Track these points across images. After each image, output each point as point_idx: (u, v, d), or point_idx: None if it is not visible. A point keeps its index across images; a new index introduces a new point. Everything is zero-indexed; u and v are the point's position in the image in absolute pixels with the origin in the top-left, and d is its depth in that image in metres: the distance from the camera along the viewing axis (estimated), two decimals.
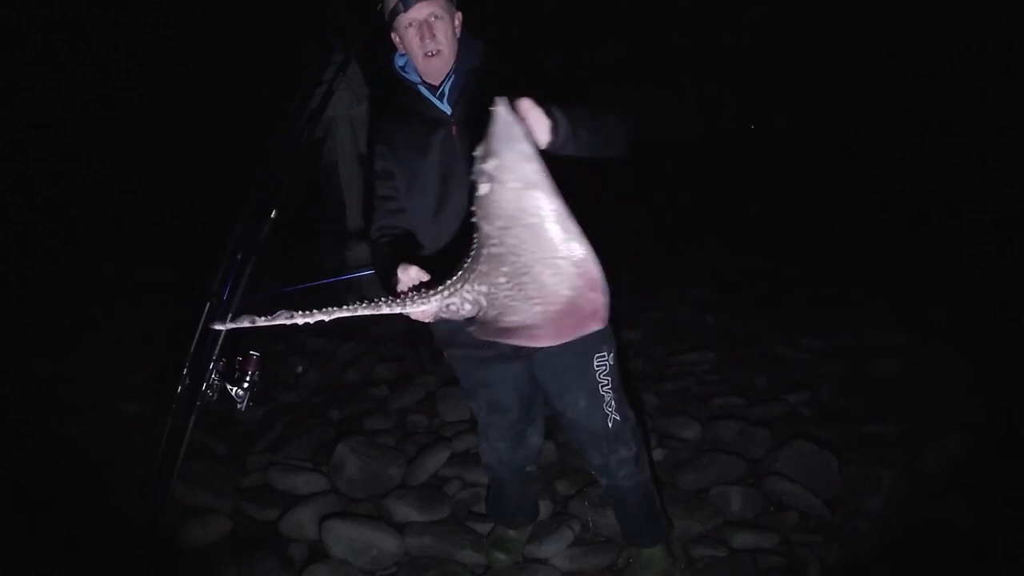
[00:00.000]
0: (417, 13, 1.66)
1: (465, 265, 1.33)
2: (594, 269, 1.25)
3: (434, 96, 1.75)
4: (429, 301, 1.35)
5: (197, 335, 2.22)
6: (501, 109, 1.18)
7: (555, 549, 2.35)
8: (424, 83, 1.76)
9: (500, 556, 2.32)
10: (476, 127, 1.24)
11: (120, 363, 3.92)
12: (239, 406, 2.13)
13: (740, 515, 2.51)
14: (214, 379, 2.07)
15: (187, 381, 2.16)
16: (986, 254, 5.06)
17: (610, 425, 1.92)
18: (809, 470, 2.64)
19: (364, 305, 1.34)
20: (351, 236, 4.68)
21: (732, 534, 2.39)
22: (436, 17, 1.67)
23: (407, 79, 1.78)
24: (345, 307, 1.32)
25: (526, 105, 1.29)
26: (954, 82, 7.76)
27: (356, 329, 4.43)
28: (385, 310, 1.35)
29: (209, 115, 8.01)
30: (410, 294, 1.38)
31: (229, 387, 2.11)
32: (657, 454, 2.83)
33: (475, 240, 1.30)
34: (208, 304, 2.24)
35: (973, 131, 7.19)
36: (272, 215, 2.06)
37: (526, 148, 1.19)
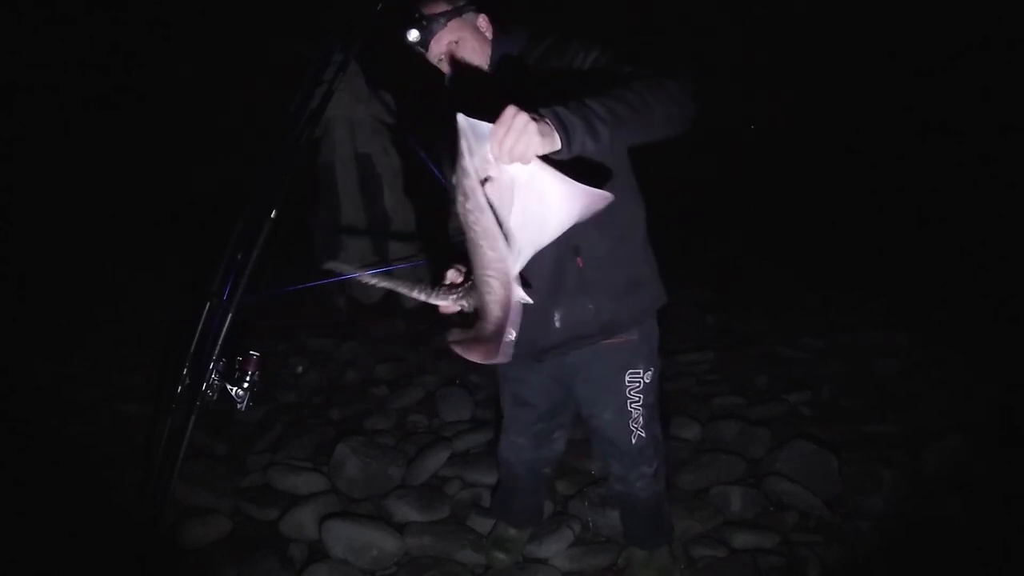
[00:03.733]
0: (437, 48, 1.66)
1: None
2: (509, 302, 1.22)
3: None
4: (446, 299, 1.48)
5: (197, 335, 2.22)
6: (461, 120, 1.11)
7: (555, 549, 2.35)
8: None
9: (500, 556, 2.32)
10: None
11: (120, 363, 3.92)
12: (239, 406, 2.12)
13: (740, 515, 2.51)
14: (214, 379, 2.07)
15: (187, 381, 2.16)
16: (986, 254, 5.06)
17: (634, 441, 1.91)
18: (809, 470, 2.65)
19: (411, 289, 1.49)
20: (345, 237, 4.68)
21: (732, 534, 2.39)
22: (456, 42, 1.67)
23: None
24: (401, 286, 1.48)
25: (508, 114, 1.13)
26: (954, 82, 7.76)
27: (356, 329, 4.44)
28: (417, 295, 1.50)
29: (208, 115, 8.01)
30: (434, 290, 1.53)
31: (229, 387, 2.11)
32: None
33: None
34: (208, 304, 2.24)
35: (973, 131, 7.20)
36: (272, 215, 2.05)
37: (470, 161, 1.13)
